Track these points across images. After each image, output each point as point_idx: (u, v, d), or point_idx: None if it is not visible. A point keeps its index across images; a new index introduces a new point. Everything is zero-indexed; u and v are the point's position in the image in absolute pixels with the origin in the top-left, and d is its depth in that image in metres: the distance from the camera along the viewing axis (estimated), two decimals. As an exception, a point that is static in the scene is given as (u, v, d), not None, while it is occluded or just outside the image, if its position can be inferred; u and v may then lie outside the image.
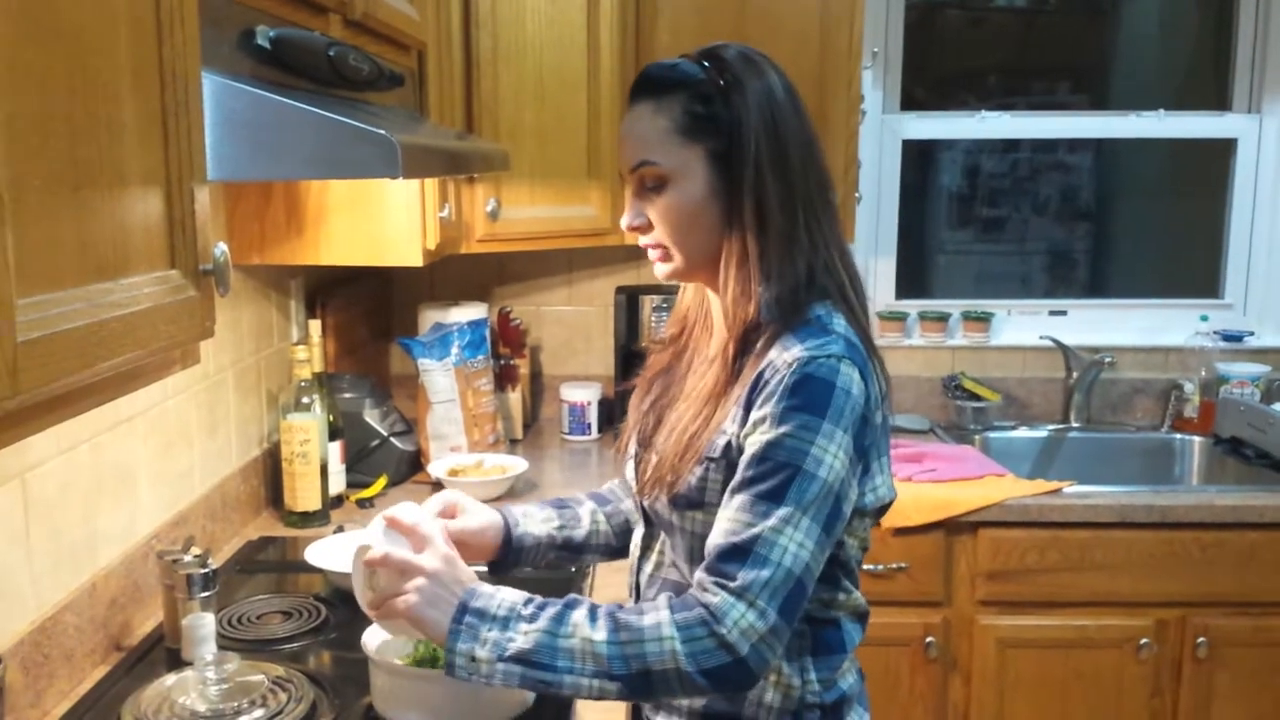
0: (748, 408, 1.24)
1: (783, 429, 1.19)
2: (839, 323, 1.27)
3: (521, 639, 1.18)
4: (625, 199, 1.37)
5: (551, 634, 1.18)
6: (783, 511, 1.17)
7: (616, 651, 1.17)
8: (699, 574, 1.21)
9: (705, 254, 1.31)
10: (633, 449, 1.45)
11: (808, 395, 1.19)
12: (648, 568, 1.41)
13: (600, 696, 1.19)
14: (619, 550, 1.55)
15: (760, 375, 1.23)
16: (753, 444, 1.21)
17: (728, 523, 1.20)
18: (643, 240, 1.35)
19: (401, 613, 1.23)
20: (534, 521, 1.50)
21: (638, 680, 1.17)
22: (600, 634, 1.18)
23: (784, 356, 1.22)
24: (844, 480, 1.21)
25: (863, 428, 1.23)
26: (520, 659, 1.18)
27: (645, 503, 1.38)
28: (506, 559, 1.48)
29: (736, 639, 1.15)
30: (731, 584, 1.16)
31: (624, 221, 1.35)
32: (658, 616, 1.18)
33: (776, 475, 1.18)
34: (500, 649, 1.18)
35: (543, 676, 1.18)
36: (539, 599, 1.23)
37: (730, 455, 1.24)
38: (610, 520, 1.55)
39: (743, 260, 1.27)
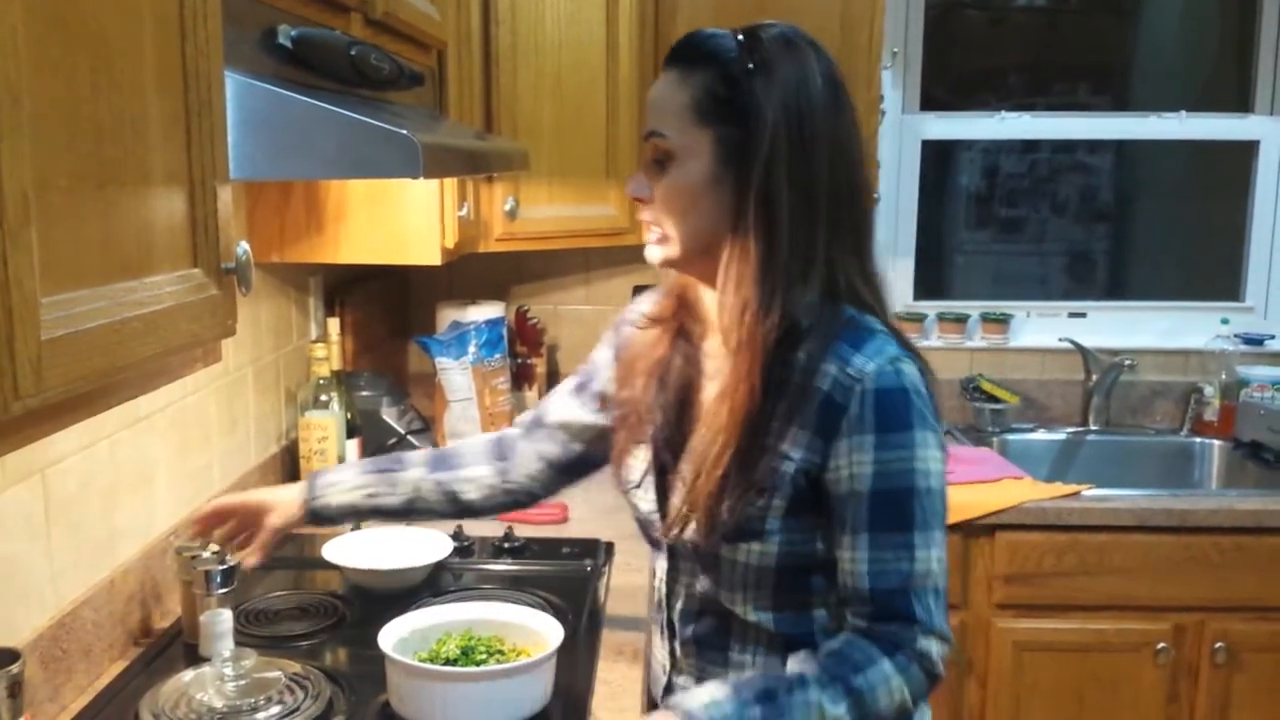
0: (824, 434, 1.21)
1: (883, 457, 1.19)
2: (874, 321, 1.25)
3: None
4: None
5: None
6: (919, 538, 1.20)
7: (855, 716, 1.18)
8: (866, 622, 1.22)
9: (700, 244, 1.25)
10: (635, 473, 1.39)
11: (890, 413, 1.19)
12: (678, 604, 1.37)
13: None
14: (460, 511, 1.61)
15: (828, 396, 1.20)
16: (854, 479, 1.21)
17: (870, 564, 1.21)
18: (643, 214, 1.30)
19: None
20: (339, 491, 1.57)
21: None
22: (840, 709, 1.17)
23: (848, 371, 1.20)
24: (943, 474, 1.24)
25: (935, 415, 1.24)
26: None
27: (672, 538, 1.33)
28: (316, 522, 1.59)
29: (940, 668, 1.22)
30: (917, 626, 1.21)
31: (629, 188, 1.30)
32: (881, 670, 1.19)
33: (898, 505, 1.20)
34: None
35: None
36: (754, 689, 1.19)
37: (799, 483, 1.22)
38: (441, 488, 1.58)
39: (743, 263, 1.21)
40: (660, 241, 1.28)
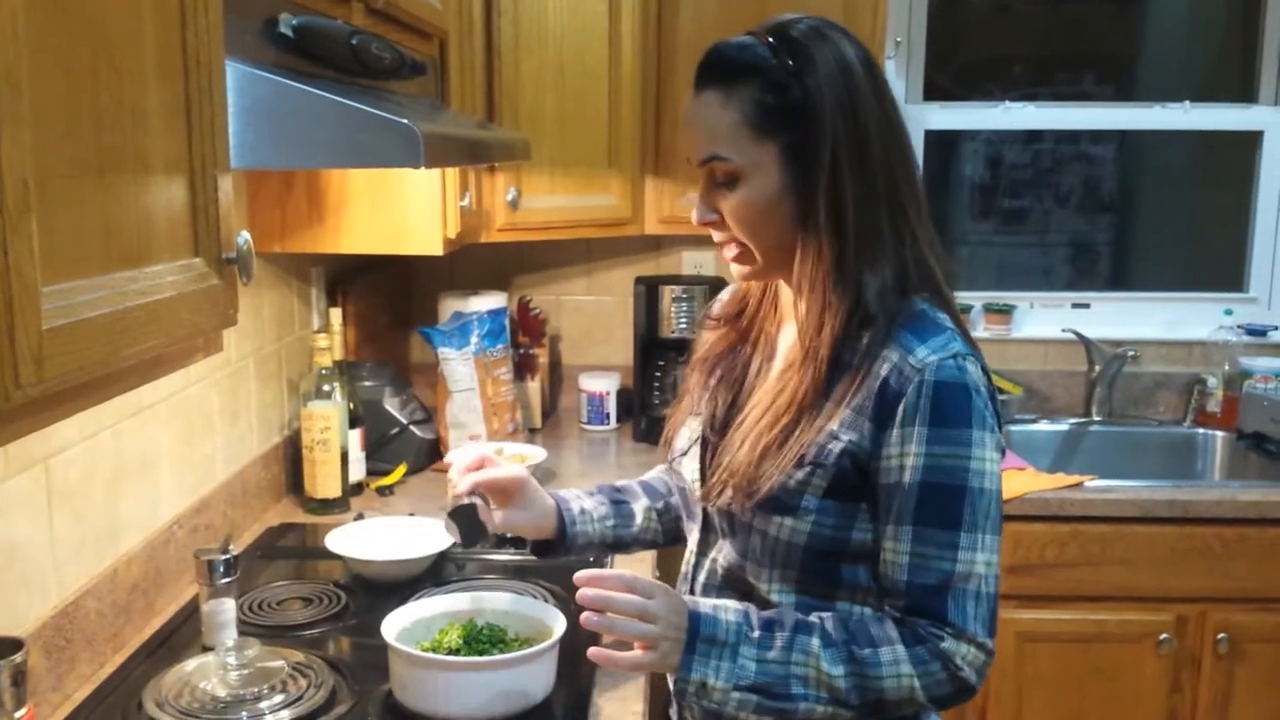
0: (878, 421, 1.19)
1: (936, 451, 1.17)
2: (944, 317, 1.23)
3: (756, 668, 1.18)
4: (689, 190, 1.34)
5: (785, 663, 1.18)
6: (965, 539, 1.18)
7: (853, 684, 1.18)
8: (902, 614, 1.21)
9: (781, 251, 1.24)
10: (683, 441, 1.39)
11: (949, 408, 1.17)
12: (702, 576, 1.37)
13: (832, 719, 1.21)
14: (662, 546, 1.56)
15: (885, 382, 1.19)
16: (904, 470, 1.18)
17: (911, 557, 1.19)
18: (716, 236, 1.29)
19: (631, 667, 1.20)
20: (590, 521, 1.50)
21: (871, 706, 1.20)
22: (837, 669, 1.18)
23: (910, 361, 1.18)
24: (999, 477, 1.21)
25: (996, 419, 1.21)
26: (756, 689, 1.18)
27: (711, 505, 1.32)
28: (552, 551, 1.51)
29: (968, 674, 1.18)
30: (949, 629, 1.18)
31: (695, 217, 1.28)
32: (894, 652, 1.18)
33: (947, 502, 1.17)
34: (735, 678, 1.17)
35: (779, 705, 1.18)
36: (761, 616, 1.21)
37: (844, 464, 1.20)
38: (661, 518, 1.54)
39: (818, 262, 1.21)
40: (741, 258, 1.28)
